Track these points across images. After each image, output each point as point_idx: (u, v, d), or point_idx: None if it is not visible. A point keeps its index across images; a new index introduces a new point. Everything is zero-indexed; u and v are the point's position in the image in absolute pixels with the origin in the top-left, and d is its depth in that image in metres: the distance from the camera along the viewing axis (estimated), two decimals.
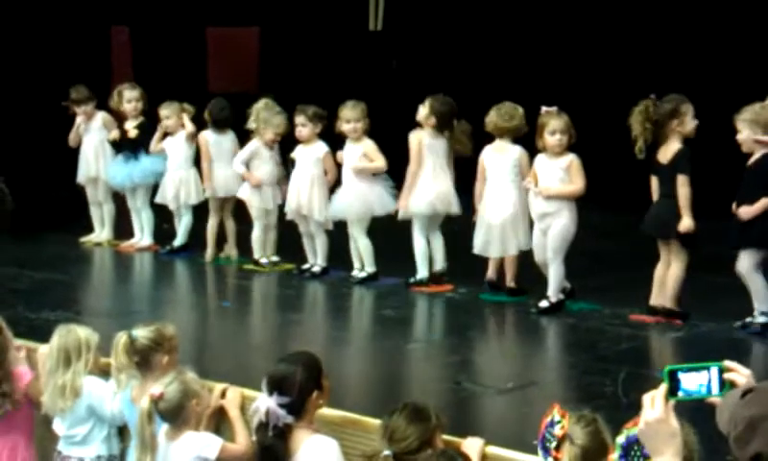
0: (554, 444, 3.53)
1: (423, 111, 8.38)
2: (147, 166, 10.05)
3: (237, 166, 9.26)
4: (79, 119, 10.48)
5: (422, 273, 8.42)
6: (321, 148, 8.93)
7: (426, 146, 8.36)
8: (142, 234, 10.25)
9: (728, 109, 7.16)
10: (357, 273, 8.69)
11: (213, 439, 4.75)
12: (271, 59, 15.64)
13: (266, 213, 9.26)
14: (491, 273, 8.19)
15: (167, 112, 9.90)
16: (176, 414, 4.69)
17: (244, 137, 9.43)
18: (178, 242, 9.98)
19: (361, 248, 8.71)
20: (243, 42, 16.03)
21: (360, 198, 8.67)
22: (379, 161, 8.65)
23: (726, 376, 2.75)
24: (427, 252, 8.46)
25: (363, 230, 8.71)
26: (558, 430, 3.54)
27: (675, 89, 7.51)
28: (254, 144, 9.19)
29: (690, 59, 11.56)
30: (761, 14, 10.98)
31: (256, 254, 9.29)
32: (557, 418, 3.57)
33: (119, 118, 10.35)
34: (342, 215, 8.78)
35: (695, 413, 2.99)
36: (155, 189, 10.10)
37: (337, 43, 14.57)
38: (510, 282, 8.08)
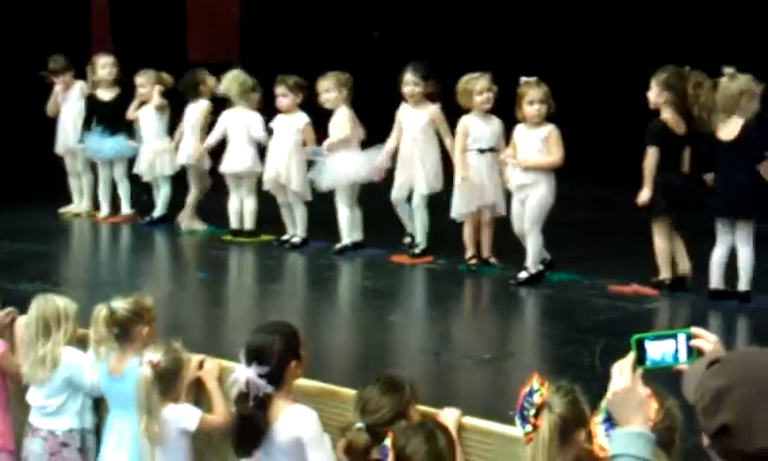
0: (532, 412, 3.55)
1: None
2: (123, 140, 10.03)
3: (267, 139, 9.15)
4: (57, 89, 10.43)
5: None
6: (301, 118, 8.90)
7: None
8: (110, 206, 10.23)
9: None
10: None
11: (192, 410, 4.75)
12: (252, 28, 15.58)
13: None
14: (472, 249, 8.16)
15: (142, 81, 9.88)
16: (169, 383, 4.70)
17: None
18: (157, 213, 9.96)
19: (339, 217, 8.71)
20: (223, 11, 15.96)
21: (330, 168, 8.65)
22: (342, 132, 8.60)
23: (693, 343, 2.76)
24: None
25: (343, 199, 8.69)
26: (536, 398, 3.56)
27: (655, 59, 7.51)
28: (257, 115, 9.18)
29: (671, 28, 11.59)
30: None
31: (251, 226, 9.28)
32: (535, 386, 3.59)
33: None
34: (319, 185, 8.77)
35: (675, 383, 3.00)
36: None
37: (319, 13, 14.52)
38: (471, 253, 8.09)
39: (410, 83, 8.32)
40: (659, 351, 2.74)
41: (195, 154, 9.48)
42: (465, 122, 8.02)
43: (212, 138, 9.35)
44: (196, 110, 9.58)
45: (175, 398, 4.74)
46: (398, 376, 4.21)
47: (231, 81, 9.22)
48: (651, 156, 7.27)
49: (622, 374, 2.71)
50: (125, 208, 10.19)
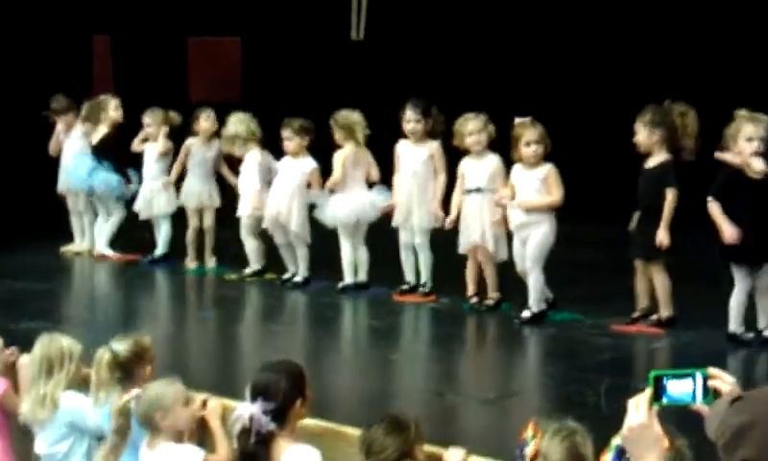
0: None
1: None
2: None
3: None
4: (59, 128, 10.47)
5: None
6: (308, 163, 8.89)
7: None
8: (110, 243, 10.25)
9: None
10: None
11: (195, 451, 4.73)
12: (253, 68, 15.66)
13: None
14: (471, 287, 8.14)
15: (149, 121, 9.90)
16: (144, 422, 4.72)
17: None
18: (158, 252, 9.96)
19: (342, 255, 8.71)
20: (224, 52, 16.05)
21: (330, 207, 8.67)
22: (333, 175, 8.61)
23: (710, 383, 2.76)
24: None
25: (345, 237, 8.68)
26: (530, 449, 3.54)
27: (650, 97, 7.55)
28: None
29: (666, 66, 11.66)
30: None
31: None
32: (530, 435, 3.57)
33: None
34: (323, 222, 8.79)
35: (685, 421, 2.99)
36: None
37: (319, 53, 14.60)
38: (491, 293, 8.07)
39: (412, 120, 8.34)
40: (676, 388, 2.74)
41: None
42: (461, 163, 8.07)
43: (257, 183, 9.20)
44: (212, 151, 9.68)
45: (174, 438, 4.72)
46: (403, 416, 4.19)
47: (243, 123, 9.18)
48: (676, 198, 7.19)
49: (638, 410, 2.70)
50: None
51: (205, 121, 9.66)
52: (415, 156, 8.38)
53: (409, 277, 8.51)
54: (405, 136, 8.47)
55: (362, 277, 8.71)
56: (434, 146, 8.36)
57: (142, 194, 9.95)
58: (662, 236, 7.20)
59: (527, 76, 12.95)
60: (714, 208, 6.87)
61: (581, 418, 3.89)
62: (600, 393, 5.84)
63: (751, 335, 6.95)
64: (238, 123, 9.19)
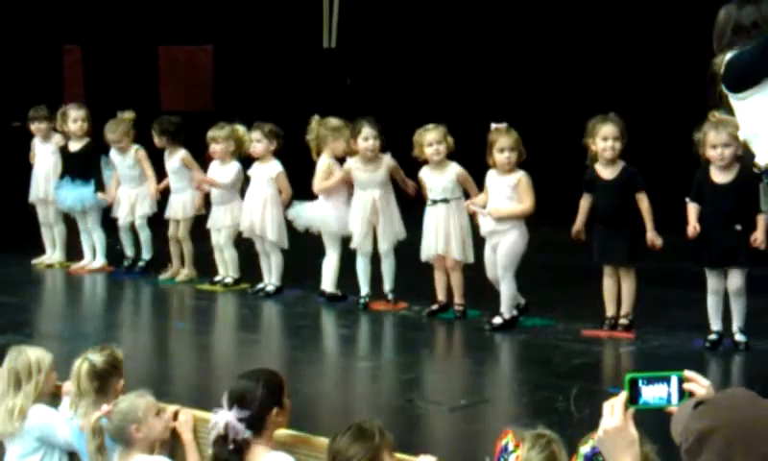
0: None
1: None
2: (89, 190, 10.00)
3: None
4: (36, 139, 10.40)
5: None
6: (274, 167, 8.90)
7: None
8: (93, 256, 10.19)
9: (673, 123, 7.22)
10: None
11: None
12: (225, 77, 15.65)
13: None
14: (440, 294, 8.17)
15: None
16: (118, 436, 4.71)
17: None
18: (144, 257, 9.91)
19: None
20: (196, 61, 16.04)
21: (304, 213, 8.70)
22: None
23: (685, 386, 2.77)
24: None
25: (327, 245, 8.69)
26: (511, 460, 3.54)
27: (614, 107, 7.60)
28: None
29: (634, 76, 11.74)
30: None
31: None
32: (510, 447, 3.57)
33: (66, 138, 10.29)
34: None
35: (654, 426, 3.01)
36: (107, 209, 10.09)
37: (291, 61, 14.61)
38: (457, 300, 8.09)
39: (370, 137, 8.18)
40: (651, 391, 2.76)
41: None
42: (420, 173, 8.09)
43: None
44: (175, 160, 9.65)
45: (146, 450, 4.72)
46: (369, 424, 4.19)
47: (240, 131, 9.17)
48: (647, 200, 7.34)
49: (613, 412, 2.72)
50: (99, 259, 10.14)
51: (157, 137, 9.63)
52: (372, 174, 8.30)
53: (365, 289, 8.46)
54: (351, 153, 8.36)
55: (324, 285, 8.63)
56: (388, 160, 8.31)
57: (125, 200, 9.90)
58: (653, 237, 7.27)
59: (499, 84, 12.99)
60: (688, 209, 6.96)
61: (551, 424, 3.91)
62: (570, 398, 5.86)
63: (714, 337, 6.98)
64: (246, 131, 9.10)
